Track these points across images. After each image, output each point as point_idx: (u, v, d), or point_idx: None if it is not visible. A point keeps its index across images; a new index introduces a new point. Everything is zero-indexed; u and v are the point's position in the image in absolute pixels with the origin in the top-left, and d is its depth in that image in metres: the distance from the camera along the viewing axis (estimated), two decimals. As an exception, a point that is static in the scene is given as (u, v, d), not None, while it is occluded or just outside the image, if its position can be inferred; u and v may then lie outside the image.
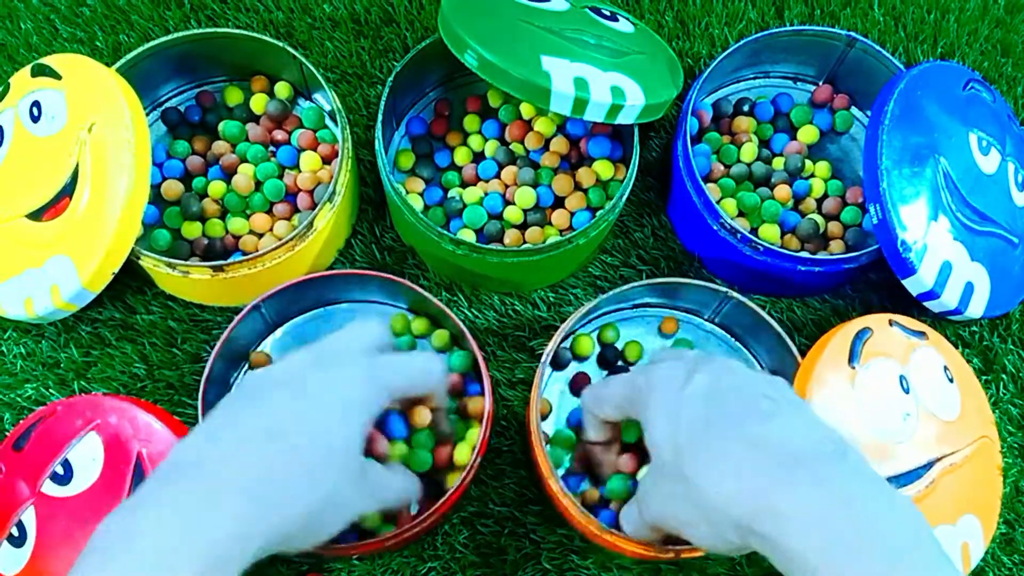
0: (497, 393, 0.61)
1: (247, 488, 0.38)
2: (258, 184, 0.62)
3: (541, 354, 0.58)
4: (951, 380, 0.56)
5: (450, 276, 0.63)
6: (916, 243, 0.56)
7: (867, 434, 0.53)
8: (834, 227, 0.63)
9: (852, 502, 0.37)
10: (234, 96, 0.65)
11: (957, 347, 0.61)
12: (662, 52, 0.63)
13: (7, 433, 0.57)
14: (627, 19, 0.64)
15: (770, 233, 0.62)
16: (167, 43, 0.60)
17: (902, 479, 0.52)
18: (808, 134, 0.66)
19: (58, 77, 0.58)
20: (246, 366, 0.60)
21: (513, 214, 0.61)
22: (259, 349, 0.60)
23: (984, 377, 0.62)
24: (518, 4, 0.58)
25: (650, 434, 0.44)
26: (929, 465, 0.53)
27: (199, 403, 0.54)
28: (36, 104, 0.58)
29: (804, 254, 0.59)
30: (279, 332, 0.61)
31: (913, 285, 0.57)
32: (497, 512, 0.59)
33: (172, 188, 0.62)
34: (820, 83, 0.67)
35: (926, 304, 0.58)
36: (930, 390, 0.55)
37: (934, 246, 0.57)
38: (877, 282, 0.64)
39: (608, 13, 0.62)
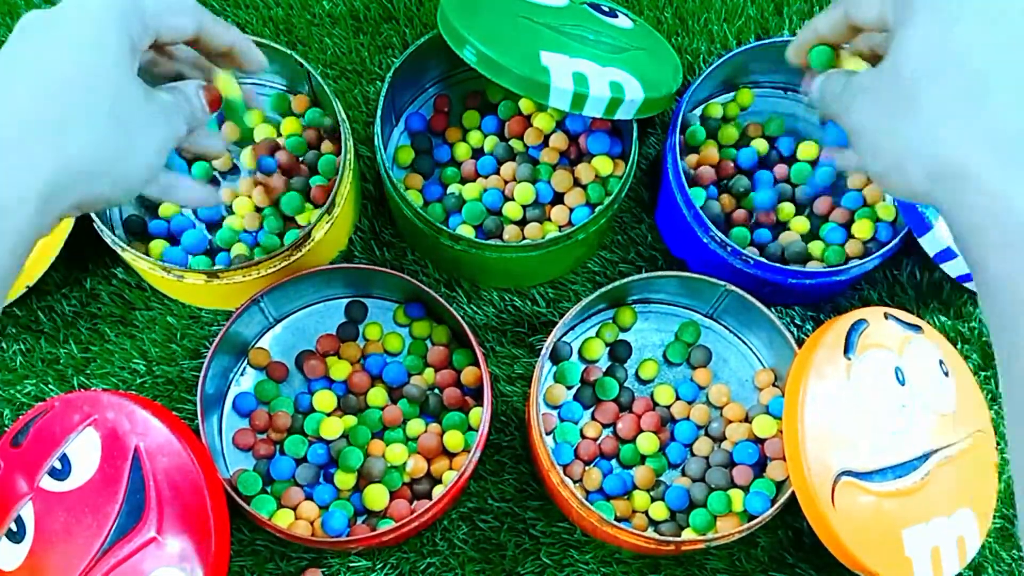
0: (496, 389, 0.61)
1: (20, 135, 0.36)
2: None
3: (540, 350, 0.58)
4: (947, 374, 0.56)
5: (449, 272, 0.63)
6: None
7: (862, 424, 0.53)
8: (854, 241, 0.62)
9: None
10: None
11: (956, 343, 0.61)
12: (661, 48, 0.63)
13: (6, 429, 0.57)
14: (626, 15, 0.64)
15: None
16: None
17: (897, 470, 0.52)
18: (808, 151, 0.63)
19: None
20: (245, 362, 0.60)
21: (512, 210, 0.61)
22: (258, 345, 0.60)
23: (983, 373, 0.62)
24: (517, 0, 0.58)
25: (901, 39, 0.38)
26: (925, 457, 0.53)
27: (198, 399, 0.54)
28: None
29: (794, 266, 0.59)
30: (279, 328, 0.61)
31: (929, 243, 0.56)
32: (496, 507, 0.59)
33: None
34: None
35: (943, 267, 0.58)
36: (925, 383, 0.55)
37: None
38: (878, 280, 0.64)
39: (607, 9, 0.63)
